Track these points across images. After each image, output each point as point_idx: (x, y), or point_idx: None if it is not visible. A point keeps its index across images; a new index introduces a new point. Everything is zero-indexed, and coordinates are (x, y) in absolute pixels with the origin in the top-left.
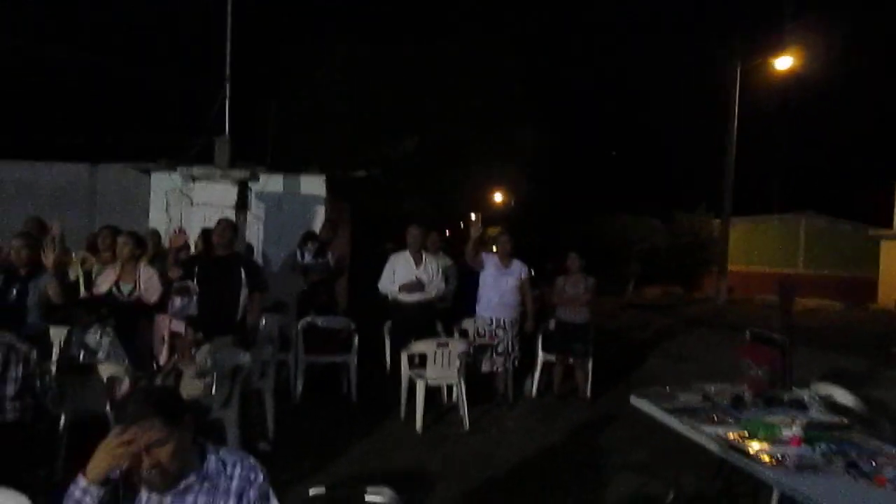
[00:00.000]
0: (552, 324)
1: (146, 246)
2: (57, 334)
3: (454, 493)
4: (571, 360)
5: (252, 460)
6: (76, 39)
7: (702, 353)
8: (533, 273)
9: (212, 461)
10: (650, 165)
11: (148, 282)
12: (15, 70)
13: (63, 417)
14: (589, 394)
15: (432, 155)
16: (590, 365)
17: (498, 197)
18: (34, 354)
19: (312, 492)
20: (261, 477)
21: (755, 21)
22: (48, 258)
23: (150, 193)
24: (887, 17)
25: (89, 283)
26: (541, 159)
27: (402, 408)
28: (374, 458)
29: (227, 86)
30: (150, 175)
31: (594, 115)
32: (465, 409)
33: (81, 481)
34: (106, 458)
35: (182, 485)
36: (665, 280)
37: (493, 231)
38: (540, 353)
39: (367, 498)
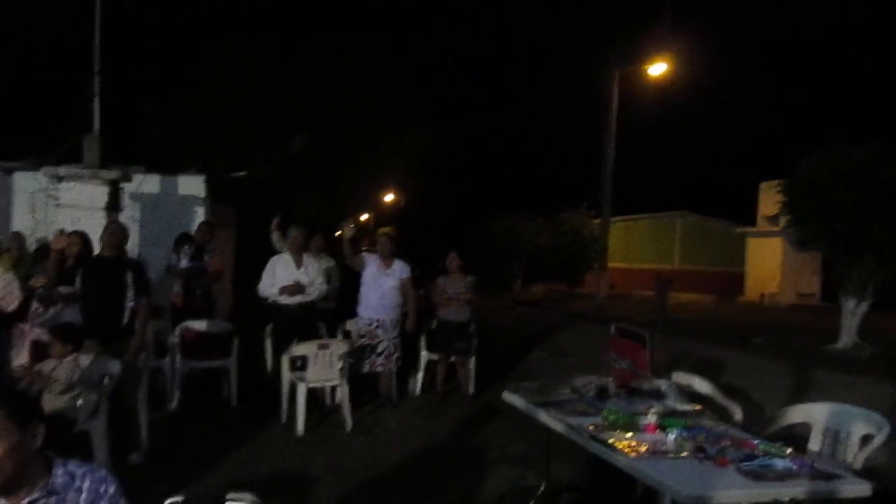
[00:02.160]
0: (434, 322)
1: (6, 251)
2: None
3: (336, 494)
4: (454, 359)
5: (103, 472)
6: None
7: (582, 348)
8: (418, 272)
9: (59, 475)
10: (537, 165)
11: (5, 289)
12: None
13: None
14: (472, 390)
15: (322, 155)
16: (472, 362)
17: (390, 197)
18: None
19: (168, 502)
20: (112, 488)
21: (633, 26)
22: None
23: (13, 194)
24: (755, 24)
25: None
26: (432, 159)
27: (284, 411)
28: (255, 463)
29: (96, 81)
30: (12, 175)
31: (485, 116)
32: (347, 411)
33: None
34: None
35: (25, 500)
36: (550, 277)
37: (384, 231)
38: (423, 351)
39: (228, 503)
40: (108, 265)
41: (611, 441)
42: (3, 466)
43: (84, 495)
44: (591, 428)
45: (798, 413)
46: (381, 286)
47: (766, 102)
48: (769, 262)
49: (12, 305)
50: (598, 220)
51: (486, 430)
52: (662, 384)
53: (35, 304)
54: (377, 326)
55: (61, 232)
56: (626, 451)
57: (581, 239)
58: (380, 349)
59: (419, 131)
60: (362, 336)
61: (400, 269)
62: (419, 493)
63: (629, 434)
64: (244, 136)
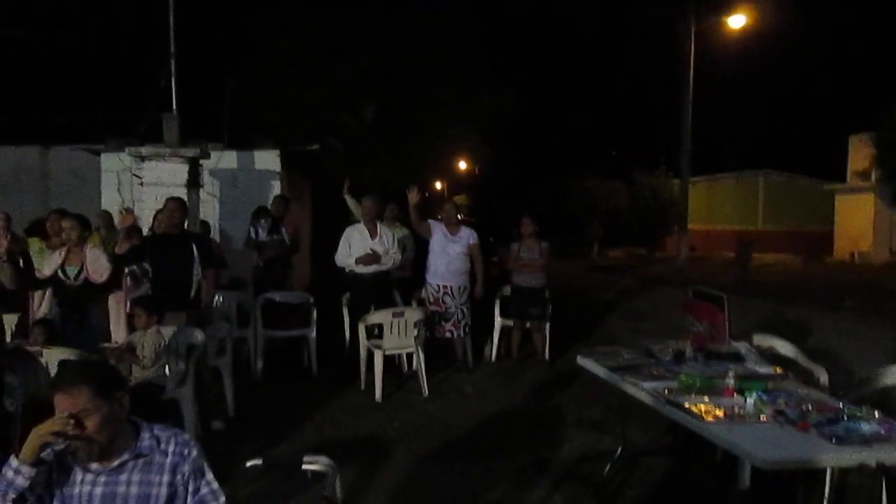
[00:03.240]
0: (508, 289)
1: (91, 227)
2: (9, 320)
3: (413, 458)
4: (529, 325)
5: (185, 436)
6: (21, 19)
7: (659, 312)
8: (492, 239)
9: (145, 439)
10: (612, 127)
11: (95, 262)
12: None
13: (17, 403)
14: (547, 356)
15: (393, 124)
16: (547, 328)
17: (463, 164)
18: None
19: (249, 464)
20: (194, 451)
21: None
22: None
23: (101, 174)
24: None
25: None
26: (504, 124)
27: (362, 378)
28: (335, 428)
29: (173, 61)
30: (100, 156)
31: (557, 77)
32: (424, 377)
33: (13, 462)
34: (36, 437)
35: (116, 462)
36: (628, 241)
37: (459, 199)
38: (498, 318)
39: (304, 466)
40: (173, 241)
41: (687, 405)
42: (98, 438)
43: (169, 458)
44: (667, 392)
45: (894, 375)
46: (449, 253)
47: (852, 52)
48: (860, 220)
49: (103, 277)
50: (677, 182)
51: (560, 395)
52: (741, 347)
53: (128, 281)
54: (445, 293)
55: (127, 210)
56: (704, 415)
57: (660, 201)
58: (448, 316)
59: (491, 96)
60: (431, 303)
61: (467, 235)
62: (494, 457)
63: (706, 398)
64: (316, 109)
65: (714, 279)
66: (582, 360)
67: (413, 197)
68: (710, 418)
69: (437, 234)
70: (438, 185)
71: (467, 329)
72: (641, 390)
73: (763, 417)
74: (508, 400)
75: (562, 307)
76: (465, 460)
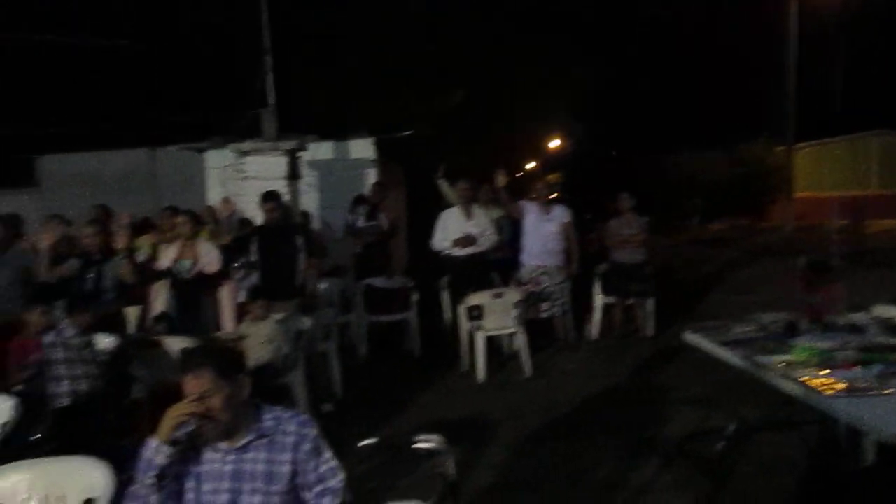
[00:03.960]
0: (607, 266)
1: (203, 223)
2: (131, 312)
3: (517, 437)
4: (631, 301)
5: (305, 416)
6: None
7: (767, 284)
8: (589, 216)
9: (267, 419)
10: (709, 95)
11: (206, 255)
12: (72, 65)
13: (143, 389)
14: (650, 333)
15: (483, 105)
16: (650, 304)
17: (555, 142)
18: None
19: (363, 443)
20: (313, 431)
21: None
22: (119, 242)
23: (205, 171)
24: None
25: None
26: (597, 100)
27: (464, 360)
28: (439, 409)
29: (268, 58)
30: (204, 154)
31: (646, 49)
32: (526, 356)
33: (152, 442)
34: (170, 418)
35: (241, 442)
36: (731, 213)
37: (553, 177)
38: (598, 295)
39: (417, 445)
40: (277, 233)
41: (804, 379)
42: (223, 417)
43: (290, 437)
44: (781, 366)
45: None
46: (543, 232)
47: None
48: None
49: (215, 267)
50: (781, 148)
51: (666, 372)
52: (861, 318)
53: (236, 272)
54: (541, 272)
55: (226, 200)
56: (822, 389)
57: (763, 170)
58: (545, 295)
59: (581, 71)
60: (528, 283)
61: (560, 213)
62: (600, 435)
63: (824, 371)
64: (406, 95)
65: (826, 248)
66: (689, 336)
67: (500, 179)
68: (829, 392)
69: (530, 214)
70: (531, 165)
71: (565, 308)
72: (753, 365)
73: (888, 390)
74: (612, 378)
75: (664, 282)
76: (571, 439)
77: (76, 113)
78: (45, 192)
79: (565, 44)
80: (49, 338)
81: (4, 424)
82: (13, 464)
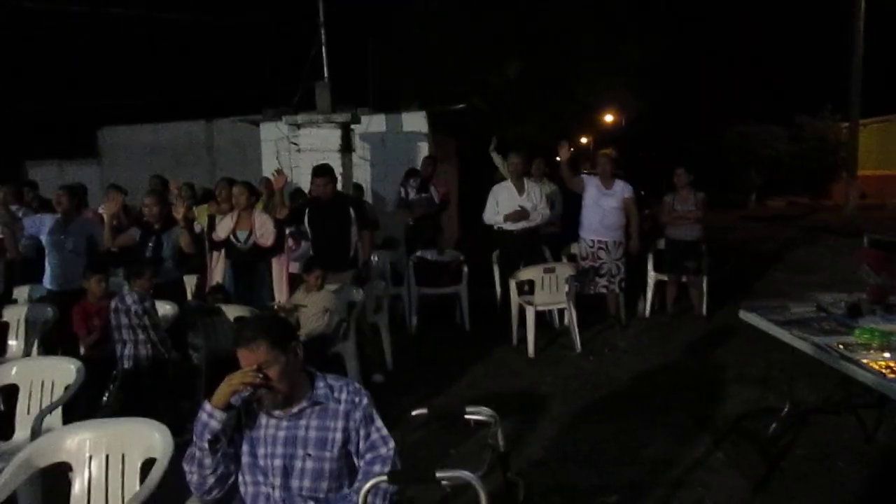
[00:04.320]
0: (662, 242)
1: (259, 194)
2: (189, 281)
3: (567, 412)
4: (685, 279)
5: (356, 385)
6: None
7: (827, 263)
8: (643, 191)
9: (321, 387)
10: (769, 67)
11: (262, 227)
12: (134, 40)
13: (201, 355)
14: (704, 311)
15: (537, 79)
16: (704, 282)
17: (609, 117)
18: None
19: (415, 413)
20: (365, 400)
21: None
22: (178, 212)
23: (260, 143)
24: None
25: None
26: (652, 73)
27: (514, 334)
28: (488, 382)
29: (323, 31)
30: (259, 126)
31: (702, 19)
32: (576, 332)
33: (207, 406)
34: (227, 385)
35: (295, 409)
36: (790, 190)
37: (604, 151)
38: (651, 272)
39: (467, 416)
40: (330, 205)
41: (866, 361)
42: (279, 387)
43: (342, 405)
44: (841, 347)
45: None
46: (603, 207)
47: None
48: None
49: (269, 241)
50: (845, 124)
51: (720, 351)
52: None
53: (290, 241)
54: (600, 248)
55: (279, 172)
56: (885, 371)
57: (825, 146)
58: (603, 271)
59: (636, 43)
60: (585, 258)
61: (621, 188)
62: (651, 413)
63: (887, 353)
64: (460, 68)
65: (890, 227)
66: (744, 315)
67: (564, 153)
68: (891, 375)
69: (591, 189)
70: (585, 139)
71: (622, 285)
72: (812, 345)
73: None
74: (664, 355)
75: (719, 260)
76: (621, 416)
77: (137, 86)
78: (106, 163)
79: (622, 15)
80: (113, 303)
81: (68, 386)
82: (78, 423)
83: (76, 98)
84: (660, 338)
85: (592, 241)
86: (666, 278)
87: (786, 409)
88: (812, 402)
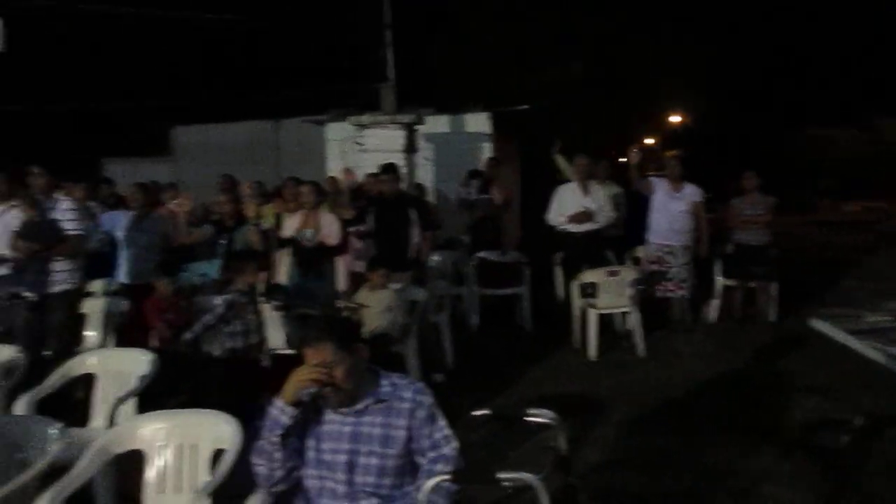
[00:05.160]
0: (730, 247)
1: (326, 194)
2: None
3: (628, 418)
4: (753, 284)
5: (420, 384)
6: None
7: None
8: (710, 195)
9: (385, 385)
10: (844, 66)
11: (329, 226)
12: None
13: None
14: (773, 318)
15: (601, 79)
16: (773, 288)
17: (676, 118)
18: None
19: (476, 413)
20: (429, 399)
21: None
22: (249, 210)
23: (325, 143)
24: None
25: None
26: (721, 73)
27: (576, 336)
28: (548, 385)
29: (388, 32)
30: (324, 126)
31: (775, 18)
32: (639, 336)
33: (278, 402)
34: (295, 382)
35: (360, 406)
36: (865, 194)
37: (669, 155)
38: (719, 277)
39: (528, 418)
40: (392, 205)
41: None
42: (344, 385)
43: (406, 404)
44: None
45: None
46: (671, 211)
47: None
48: None
49: (335, 240)
50: None
51: (788, 359)
52: None
53: (353, 240)
54: (667, 252)
55: (348, 170)
56: None
57: None
58: (670, 275)
59: (706, 42)
60: (652, 262)
61: (691, 192)
62: (716, 421)
63: None
64: (523, 68)
65: None
66: (816, 323)
67: (633, 157)
68: None
69: (659, 192)
70: (650, 140)
71: (690, 289)
72: (887, 356)
73: None
74: (730, 363)
75: (789, 266)
76: (684, 423)
77: (207, 86)
78: (178, 161)
79: (686, 16)
80: (205, 299)
81: (143, 377)
82: (153, 413)
83: (151, 98)
84: (726, 344)
85: (660, 244)
86: (734, 283)
87: (858, 422)
88: (886, 415)
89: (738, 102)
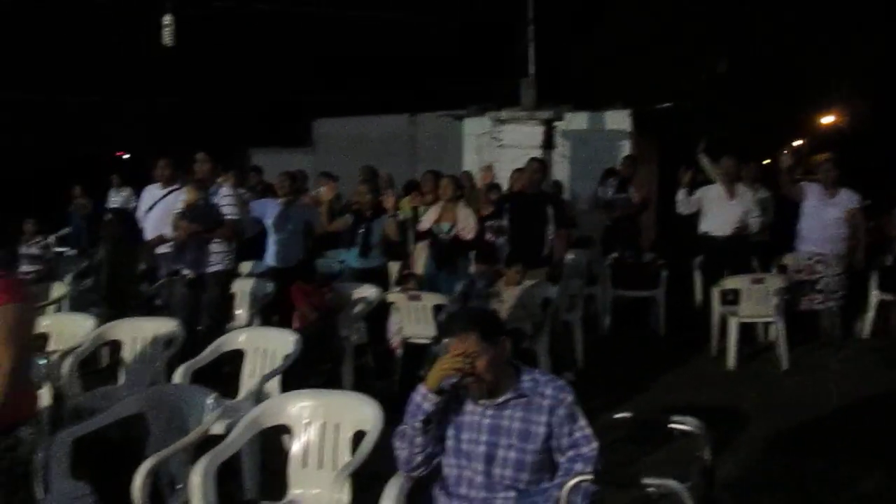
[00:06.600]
0: (889, 259)
1: (464, 188)
2: (392, 268)
3: (767, 433)
4: None
5: (562, 381)
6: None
7: None
8: (869, 202)
9: (526, 381)
10: None
11: (465, 220)
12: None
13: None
14: None
15: (748, 76)
16: None
17: (828, 118)
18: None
19: (617, 416)
20: (570, 397)
21: None
22: (388, 202)
23: (462, 138)
24: None
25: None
26: (879, 71)
27: (714, 345)
28: (682, 392)
29: (531, 27)
30: (462, 121)
31: None
32: (783, 348)
33: (422, 389)
34: (439, 370)
35: (501, 399)
36: None
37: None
38: (875, 290)
39: (672, 425)
40: (529, 200)
41: None
42: (485, 377)
43: (547, 401)
44: None
45: None
46: (824, 217)
47: None
48: None
49: (470, 234)
50: None
51: None
52: None
53: (488, 235)
54: (818, 261)
55: (487, 168)
56: None
57: None
58: (820, 286)
59: (866, 38)
60: (800, 271)
61: (847, 198)
62: (862, 444)
63: None
64: (666, 66)
65: None
66: None
67: (785, 160)
68: None
69: (812, 197)
70: (798, 142)
71: (842, 301)
72: None
73: None
74: (884, 382)
75: None
76: (827, 444)
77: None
78: (318, 152)
79: (846, 8)
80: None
81: (287, 356)
82: (300, 391)
83: (296, 91)
84: (879, 362)
85: (810, 253)
86: (891, 298)
87: None
88: None
89: None
